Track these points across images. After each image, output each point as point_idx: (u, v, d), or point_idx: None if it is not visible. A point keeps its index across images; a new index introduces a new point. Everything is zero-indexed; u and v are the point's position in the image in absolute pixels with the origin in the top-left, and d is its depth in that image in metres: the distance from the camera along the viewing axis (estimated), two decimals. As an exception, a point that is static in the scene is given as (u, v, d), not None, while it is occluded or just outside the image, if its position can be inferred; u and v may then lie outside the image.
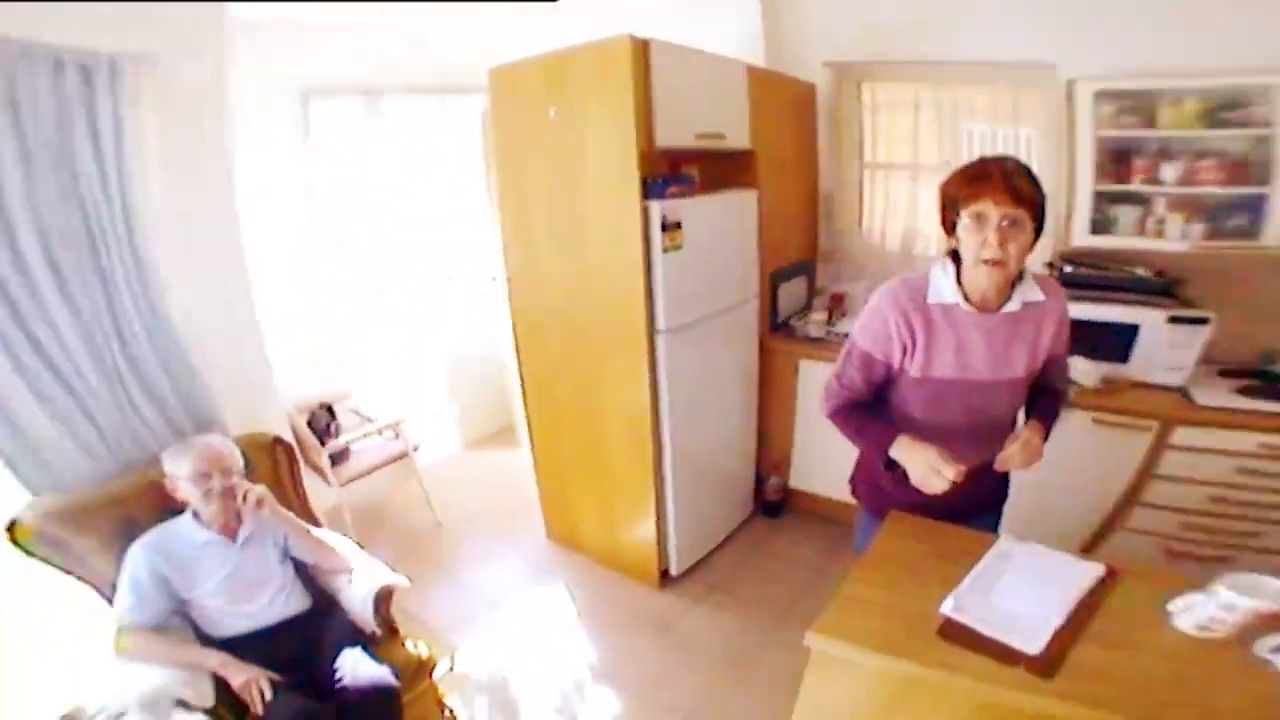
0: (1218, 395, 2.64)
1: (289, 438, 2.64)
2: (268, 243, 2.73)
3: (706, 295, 2.97)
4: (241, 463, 2.20)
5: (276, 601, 2.22)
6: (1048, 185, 1.57)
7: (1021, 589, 1.52)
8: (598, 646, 2.99)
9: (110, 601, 2.05)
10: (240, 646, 2.06)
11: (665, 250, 2.63)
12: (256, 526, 2.22)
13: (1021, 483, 2.00)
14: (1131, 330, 2.75)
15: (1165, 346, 2.70)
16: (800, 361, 3.50)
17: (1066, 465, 2.40)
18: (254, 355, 2.70)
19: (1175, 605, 1.42)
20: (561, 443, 3.42)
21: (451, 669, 2.36)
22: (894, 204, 3.82)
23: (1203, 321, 2.63)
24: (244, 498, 2.12)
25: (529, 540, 3.85)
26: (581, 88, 2.62)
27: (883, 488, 1.93)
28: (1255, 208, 2.65)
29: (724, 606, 3.21)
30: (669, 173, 2.79)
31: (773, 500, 3.85)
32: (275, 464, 2.54)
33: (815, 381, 3.41)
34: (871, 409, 1.88)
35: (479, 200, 4.40)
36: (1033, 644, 1.37)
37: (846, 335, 3.23)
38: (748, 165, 3.19)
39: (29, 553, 2.02)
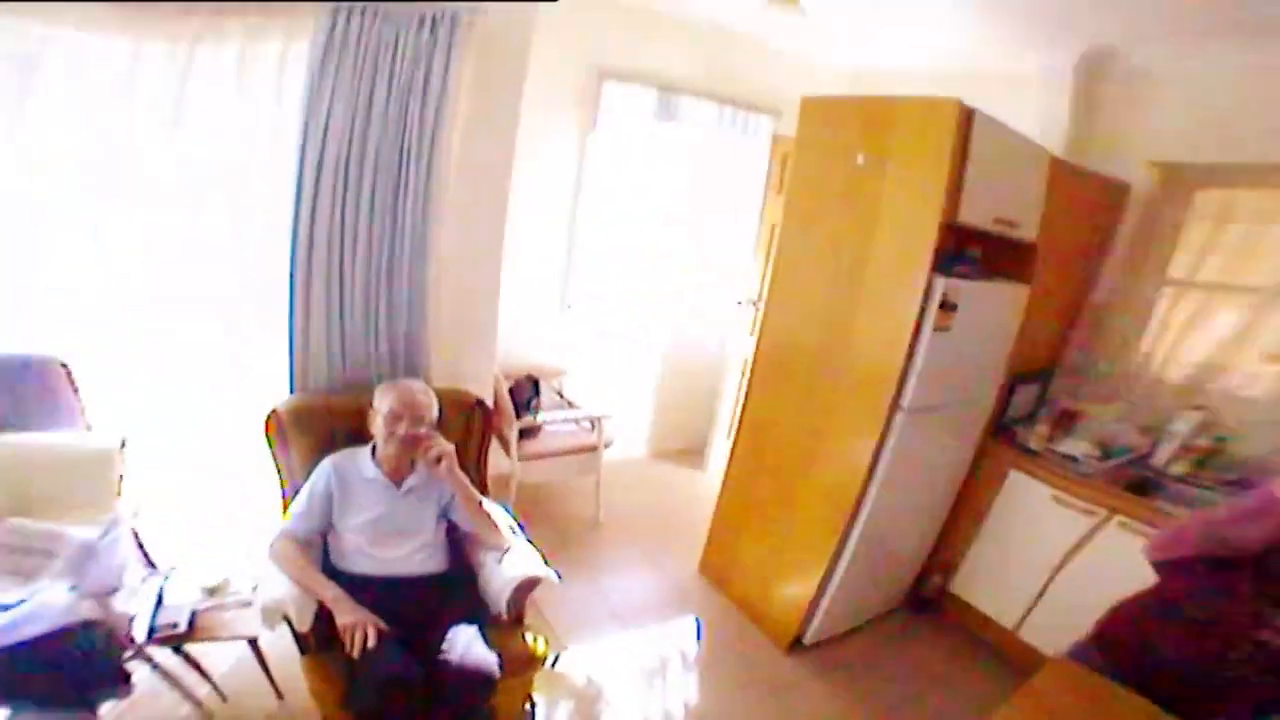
0: None
1: (491, 402, 2.66)
2: (529, 206, 2.77)
3: (954, 383, 2.79)
4: (435, 415, 2.26)
5: (415, 557, 2.23)
6: None
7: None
8: (703, 691, 2.91)
9: (286, 504, 2.25)
10: (361, 587, 2.07)
11: (935, 329, 2.47)
12: (425, 480, 2.26)
13: None
14: None
15: None
16: (1010, 471, 3.19)
17: None
18: (487, 317, 2.81)
19: None
20: (755, 483, 3.31)
21: (554, 666, 2.34)
22: (1199, 329, 3.21)
23: None
24: (425, 450, 2.18)
25: (679, 566, 3.78)
26: (896, 141, 2.50)
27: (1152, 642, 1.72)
28: None
29: (838, 687, 3.02)
30: (955, 248, 2.60)
31: (925, 597, 3.56)
32: (469, 425, 2.58)
33: (1016, 494, 3.17)
34: None
35: (746, 222, 4.32)
36: None
37: (1069, 457, 3.01)
38: (1027, 257, 2.92)
39: (270, 443, 2.29)
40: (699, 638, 3.21)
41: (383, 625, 1.94)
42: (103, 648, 1.86)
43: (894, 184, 2.50)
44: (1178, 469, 3.00)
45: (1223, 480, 2.89)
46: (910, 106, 2.46)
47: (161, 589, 2.18)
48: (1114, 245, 3.47)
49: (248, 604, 2.18)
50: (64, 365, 2.34)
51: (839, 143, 2.69)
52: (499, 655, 2.04)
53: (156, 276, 2.63)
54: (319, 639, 2.01)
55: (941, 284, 2.40)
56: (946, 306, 2.43)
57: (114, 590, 1.94)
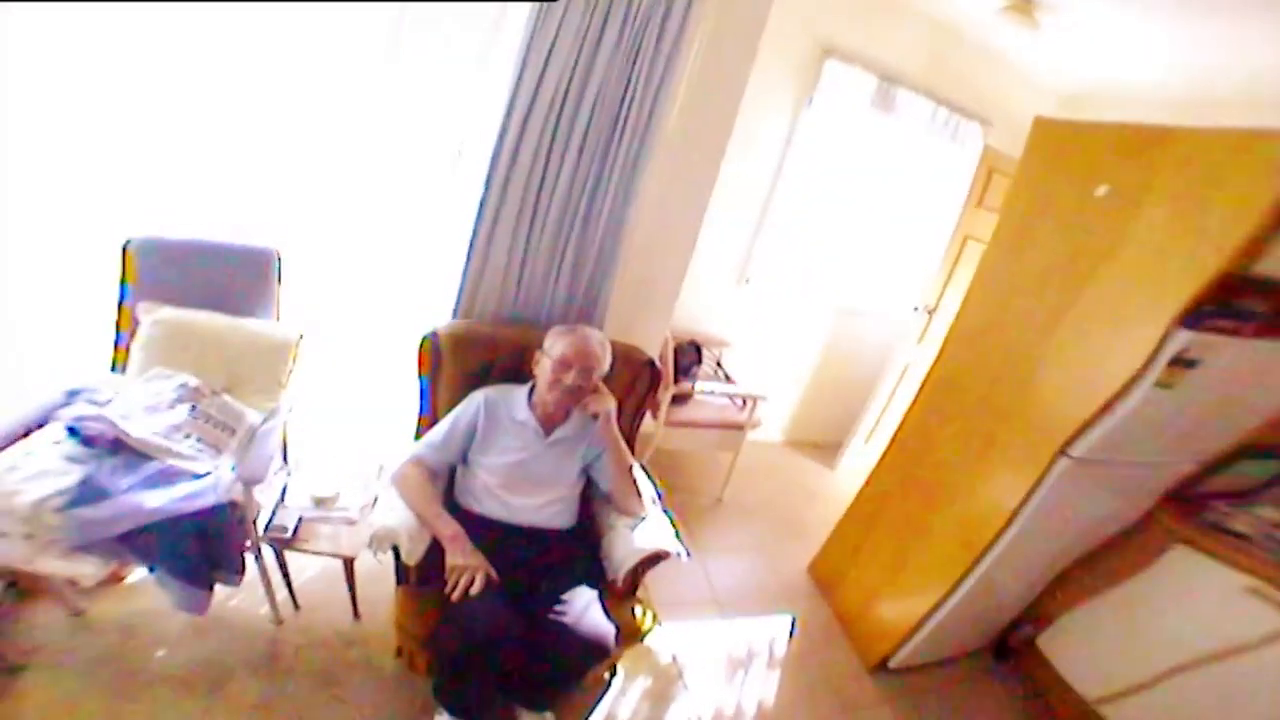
0: None
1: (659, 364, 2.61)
2: (730, 174, 2.71)
3: (1153, 443, 2.42)
4: (606, 369, 2.13)
5: (547, 509, 2.16)
6: None
7: None
8: (779, 693, 2.84)
9: (421, 428, 2.22)
10: (482, 530, 2.01)
11: (1157, 384, 2.11)
12: (576, 432, 2.18)
13: None
14: None
15: None
16: (1177, 546, 2.73)
17: None
18: (672, 281, 2.74)
19: None
20: (890, 500, 3.16)
21: (641, 640, 2.26)
22: None
23: None
24: (586, 405, 2.11)
25: (789, 563, 3.68)
26: (1164, 174, 2.13)
27: None
28: None
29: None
30: (1221, 297, 2.09)
31: (1010, 645, 3.33)
32: (634, 384, 2.47)
33: (1177, 571, 2.73)
34: None
35: (938, 229, 4.14)
36: None
37: None
38: None
39: (421, 365, 2.25)
40: (790, 638, 3.14)
41: (493, 573, 1.87)
42: (237, 533, 1.92)
43: (1148, 223, 2.14)
44: None
45: None
46: (1190, 138, 2.08)
47: (285, 488, 2.24)
48: None
49: (353, 523, 2.21)
50: (278, 256, 2.43)
51: (1078, 167, 2.41)
52: (616, 626, 1.96)
53: (357, 181, 2.69)
54: (420, 573, 1.96)
55: (1184, 338, 2.03)
56: (1180, 363, 2.09)
57: (259, 480, 1.97)
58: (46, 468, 1.70)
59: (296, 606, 2.35)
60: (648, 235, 2.55)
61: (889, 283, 4.54)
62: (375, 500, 2.28)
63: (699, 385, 3.43)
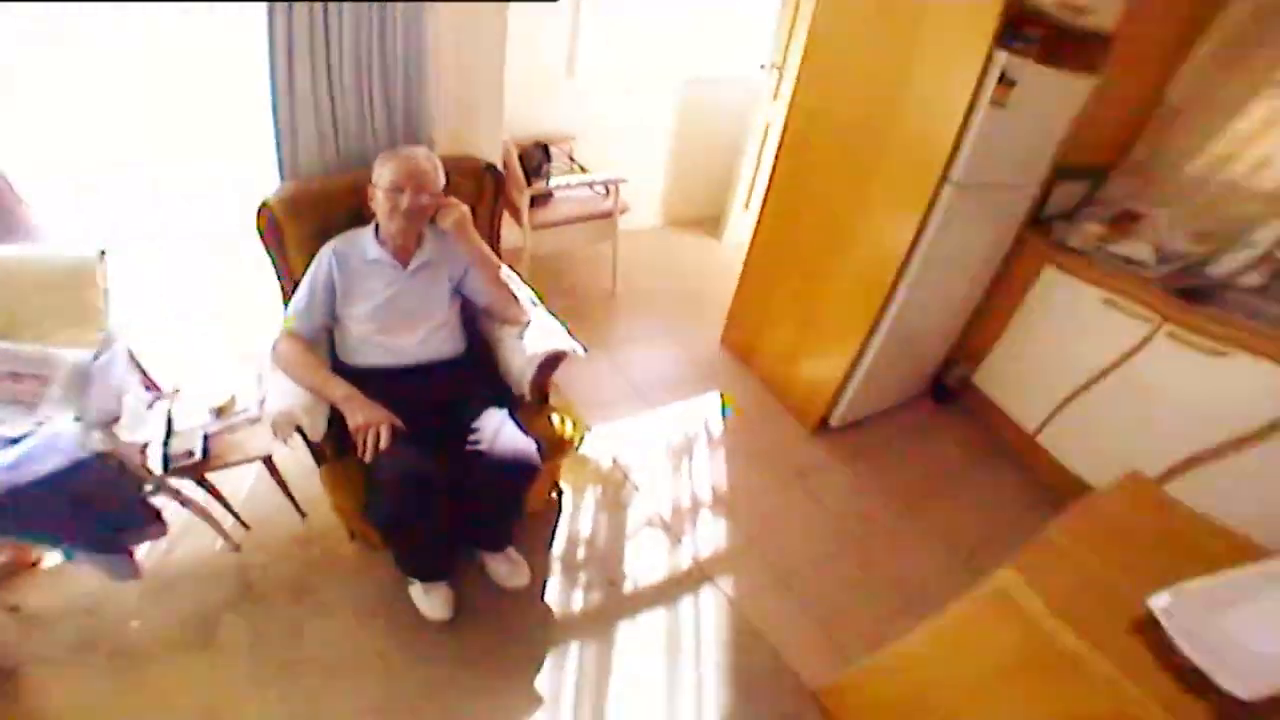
0: None
1: (501, 169, 2.45)
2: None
3: (1004, 164, 2.61)
4: (442, 183, 2.00)
5: (431, 340, 2.07)
6: None
7: (1272, 625, 1.23)
8: (730, 472, 2.92)
9: (285, 304, 2.03)
10: (374, 381, 1.93)
11: (992, 103, 2.29)
12: (436, 255, 2.06)
13: None
14: None
15: None
16: (1045, 268, 3.08)
17: None
18: (492, 77, 2.50)
19: None
20: (784, 252, 3.19)
21: (577, 449, 2.28)
22: None
23: None
24: (444, 214, 1.99)
25: (700, 340, 3.74)
26: None
27: None
28: None
29: (860, 477, 3.05)
30: (1012, 27, 2.35)
31: (948, 387, 3.59)
32: (480, 192, 2.33)
33: (1051, 291, 3.08)
34: None
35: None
36: (1244, 687, 1.11)
37: (1128, 260, 2.86)
38: (1095, 49, 2.61)
39: (263, 238, 2.04)
40: (724, 415, 3.21)
41: (397, 422, 1.80)
42: (119, 480, 1.75)
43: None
44: (1251, 279, 2.80)
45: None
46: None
47: (170, 414, 2.02)
48: (1204, 39, 3.02)
49: (256, 420, 2.07)
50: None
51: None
52: (536, 440, 1.95)
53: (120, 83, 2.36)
54: (335, 447, 1.90)
55: (1003, 58, 2.22)
56: (1006, 81, 2.27)
57: (113, 418, 1.79)
58: None
59: (246, 527, 2.25)
60: (454, 44, 2.29)
61: (731, 45, 4.34)
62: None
63: (554, 182, 3.31)
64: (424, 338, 2.06)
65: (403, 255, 2.02)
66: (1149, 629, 1.22)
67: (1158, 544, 1.48)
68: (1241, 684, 1.12)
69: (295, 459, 2.10)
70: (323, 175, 2.18)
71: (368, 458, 1.74)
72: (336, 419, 1.85)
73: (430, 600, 2.06)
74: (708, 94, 4.49)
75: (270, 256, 2.07)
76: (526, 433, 1.96)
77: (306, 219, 2.06)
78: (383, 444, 1.74)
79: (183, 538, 2.17)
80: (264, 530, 2.28)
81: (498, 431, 1.90)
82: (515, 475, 1.92)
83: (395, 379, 1.99)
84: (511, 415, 2.00)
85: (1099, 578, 1.36)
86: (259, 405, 2.08)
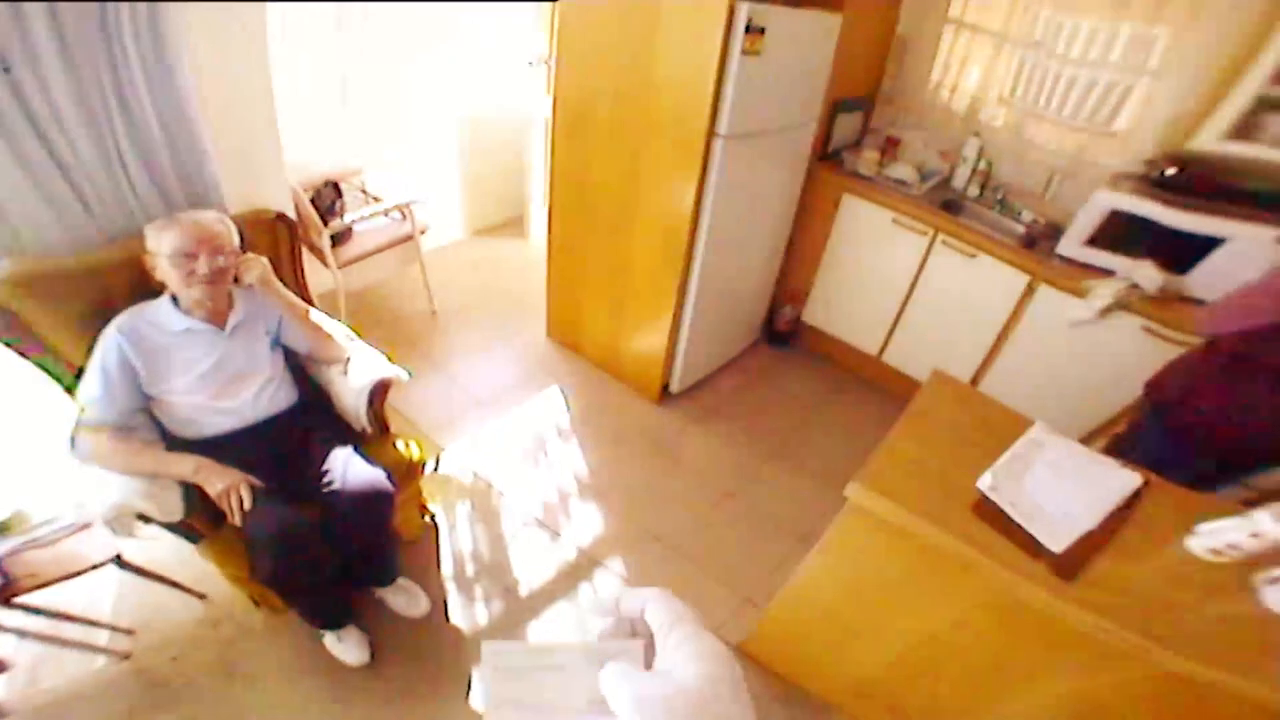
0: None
1: (292, 215, 2.38)
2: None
3: (772, 109, 2.76)
4: (236, 242, 1.93)
5: (263, 396, 2.03)
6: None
7: (1053, 483, 1.49)
8: (588, 458, 3.00)
9: (70, 393, 1.83)
10: (218, 448, 1.87)
11: (745, 53, 2.40)
12: (249, 311, 2.01)
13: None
14: (1209, 243, 2.49)
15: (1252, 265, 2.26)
16: (843, 196, 3.36)
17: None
18: (264, 125, 2.41)
19: (1204, 527, 1.41)
20: (582, 238, 3.26)
21: (436, 470, 2.30)
22: (969, 68, 3.45)
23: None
24: (238, 275, 1.93)
25: (527, 337, 3.79)
26: None
27: (1196, 388, 1.99)
28: None
29: (719, 433, 3.21)
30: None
31: (782, 330, 3.81)
32: (275, 243, 2.28)
33: (854, 218, 3.35)
34: None
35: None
36: (1057, 542, 1.35)
37: (899, 181, 3.20)
38: None
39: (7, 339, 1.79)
40: (568, 405, 3.28)
41: (254, 480, 1.80)
42: None
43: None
44: (972, 191, 3.30)
45: (995, 201, 3.24)
46: None
47: None
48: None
49: (85, 526, 1.91)
50: None
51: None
52: (384, 469, 2.00)
53: None
54: (207, 521, 1.86)
55: (746, 8, 2.31)
56: (753, 30, 2.37)
57: None
58: None
59: (129, 632, 2.10)
60: (216, 96, 2.16)
61: (501, 45, 4.33)
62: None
63: (349, 217, 3.25)
64: (258, 394, 2.02)
65: (218, 319, 1.94)
66: (986, 508, 1.42)
67: (973, 432, 1.68)
68: (1054, 539, 1.35)
69: (168, 545, 1.96)
70: (80, 253, 1.93)
71: (238, 521, 1.75)
72: (198, 493, 1.81)
73: (345, 646, 2.10)
74: (487, 100, 4.48)
75: (12, 346, 1.81)
76: (374, 464, 2.00)
77: (73, 298, 1.86)
78: (246, 504, 1.74)
79: (52, 667, 2.00)
80: (161, 626, 2.17)
81: (346, 467, 1.94)
82: (373, 505, 1.95)
83: (241, 440, 1.97)
84: (357, 450, 2.04)
85: (933, 471, 1.54)
86: (76, 509, 1.93)
